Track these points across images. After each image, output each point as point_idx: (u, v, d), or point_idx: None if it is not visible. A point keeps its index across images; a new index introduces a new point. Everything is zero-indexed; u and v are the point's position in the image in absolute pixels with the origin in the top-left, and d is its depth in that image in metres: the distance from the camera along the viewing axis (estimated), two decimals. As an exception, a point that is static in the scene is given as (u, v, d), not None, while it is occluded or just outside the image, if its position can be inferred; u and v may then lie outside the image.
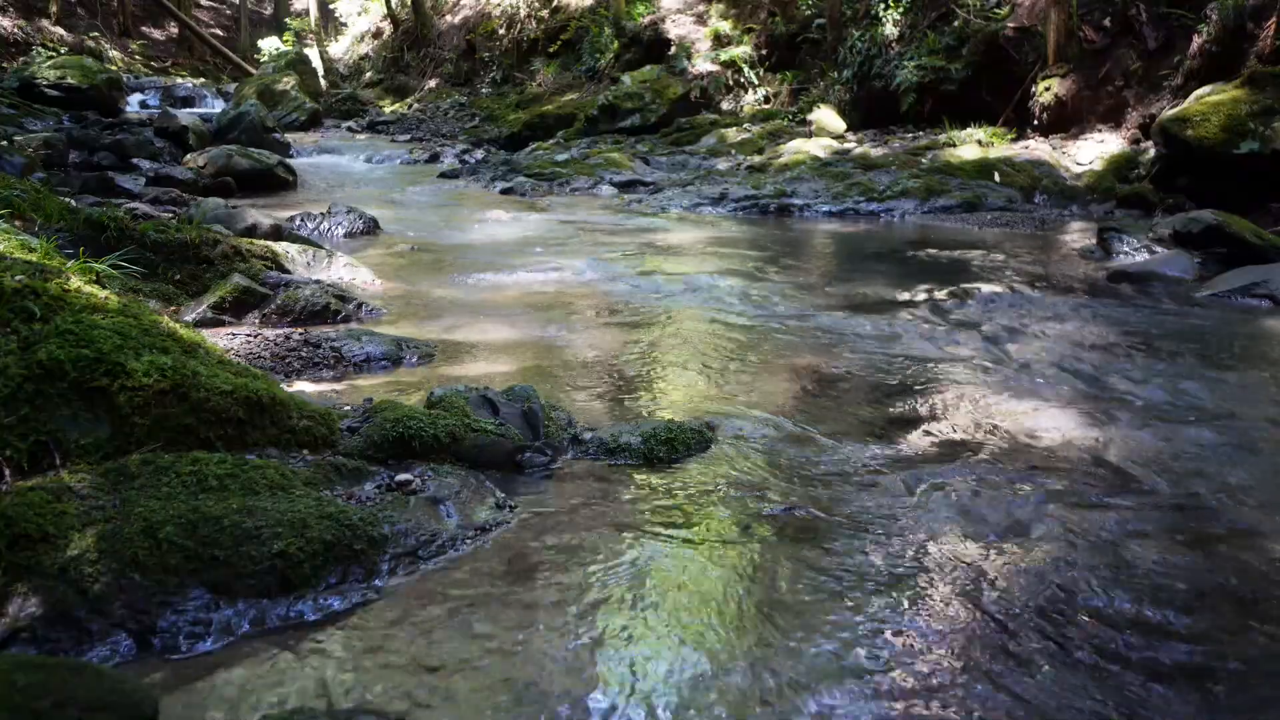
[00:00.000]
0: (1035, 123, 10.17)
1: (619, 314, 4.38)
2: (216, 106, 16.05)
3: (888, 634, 1.78)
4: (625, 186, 9.66)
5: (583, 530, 2.17)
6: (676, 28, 15.97)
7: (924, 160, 9.38)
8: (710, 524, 2.22)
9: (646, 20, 16.53)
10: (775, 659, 1.69)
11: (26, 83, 13.53)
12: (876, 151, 10.03)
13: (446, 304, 4.52)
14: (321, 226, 6.59)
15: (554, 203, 8.83)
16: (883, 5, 12.01)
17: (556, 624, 1.79)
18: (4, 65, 17.76)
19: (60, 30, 23.68)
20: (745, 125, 12.62)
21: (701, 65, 14.71)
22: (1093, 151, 9.22)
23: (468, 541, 2.11)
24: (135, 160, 9.08)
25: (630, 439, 2.62)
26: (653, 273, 5.43)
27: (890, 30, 11.86)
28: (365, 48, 26.01)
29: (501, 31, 20.46)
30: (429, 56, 22.54)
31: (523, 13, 19.89)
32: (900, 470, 2.56)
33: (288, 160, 10.02)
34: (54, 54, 18.76)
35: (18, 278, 2.24)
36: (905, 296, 4.81)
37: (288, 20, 31.18)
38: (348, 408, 2.75)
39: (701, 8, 16.26)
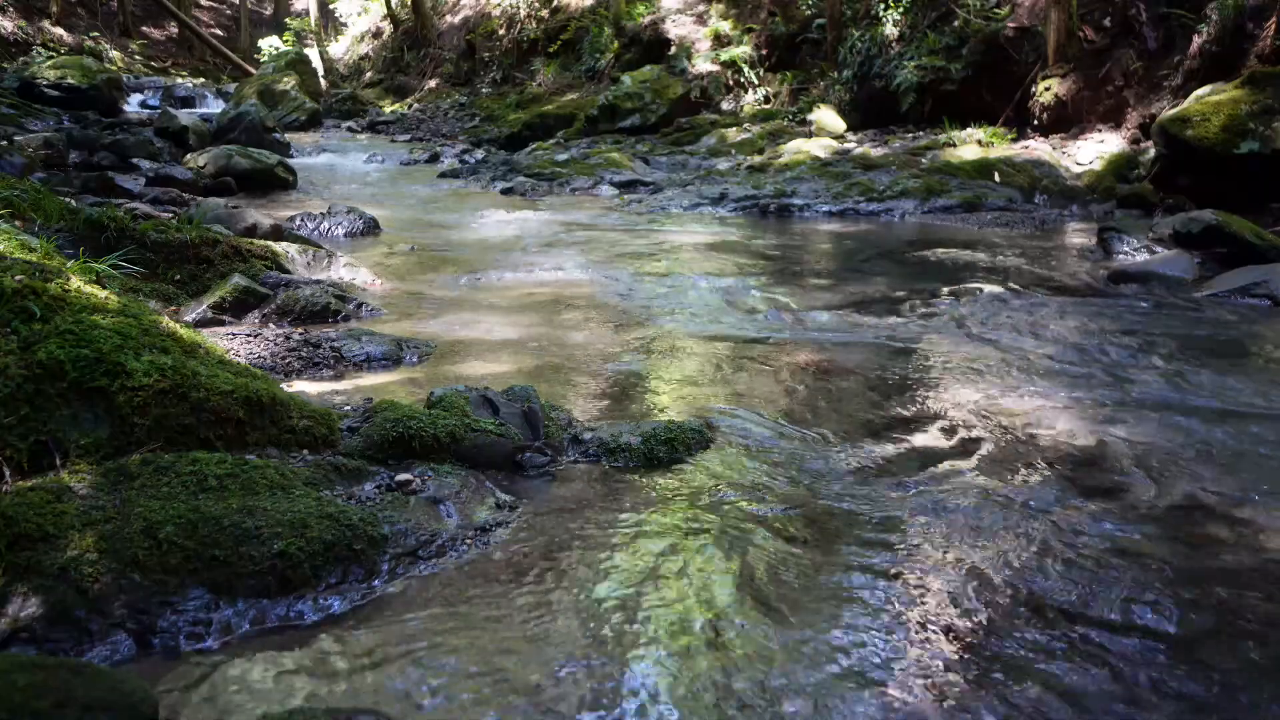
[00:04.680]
0: (1035, 123, 10.17)
1: (619, 314, 4.38)
2: (216, 106, 16.04)
3: (887, 634, 1.78)
4: (625, 186, 9.66)
5: (583, 530, 2.17)
6: (676, 28, 15.98)
7: (924, 160, 9.38)
8: (710, 524, 2.22)
9: (646, 20, 16.53)
10: (775, 659, 1.69)
11: (26, 83, 13.53)
12: (876, 151, 10.03)
13: (446, 304, 4.52)
14: (321, 226, 6.59)
15: (554, 203, 8.83)
16: (883, 5, 12.01)
17: (556, 624, 1.79)
18: (4, 65, 17.76)
19: (60, 30, 23.68)
20: (745, 125, 12.62)
21: (701, 65, 14.71)
22: (1093, 151, 9.22)
23: (468, 541, 2.11)
24: (135, 160, 9.08)
25: (630, 439, 2.62)
26: (653, 273, 5.43)
27: (890, 30, 11.86)
28: (365, 48, 26.02)
29: (501, 31, 20.46)
30: (429, 56, 22.55)
31: (523, 13, 19.89)
32: (900, 470, 2.56)
33: (288, 160, 10.01)
34: (54, 54, 18.77)
35: (18, 278, 2.24)
36: (905, 296, 4.81)
37: (288, 20, 31.21)
38: (348, 408, 2.75)
39: (701, 8, 16.26)
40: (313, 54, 23.52)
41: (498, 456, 2.49)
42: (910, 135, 10.91)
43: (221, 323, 3.76)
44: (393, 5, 24.43)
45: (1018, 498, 2.37)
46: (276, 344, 3.42)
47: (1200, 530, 2.22)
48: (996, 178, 8.83)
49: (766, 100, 14.08)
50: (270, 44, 26.23)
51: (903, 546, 2.12)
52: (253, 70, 21.69)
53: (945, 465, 2.59)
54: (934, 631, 1.79)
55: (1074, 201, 8.47)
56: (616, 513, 2.27)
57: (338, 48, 27.43)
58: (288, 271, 4.58)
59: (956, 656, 1.71)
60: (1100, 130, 9.55)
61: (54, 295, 2.24)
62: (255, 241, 4.76)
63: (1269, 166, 6.82)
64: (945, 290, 4.91)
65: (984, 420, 2.95)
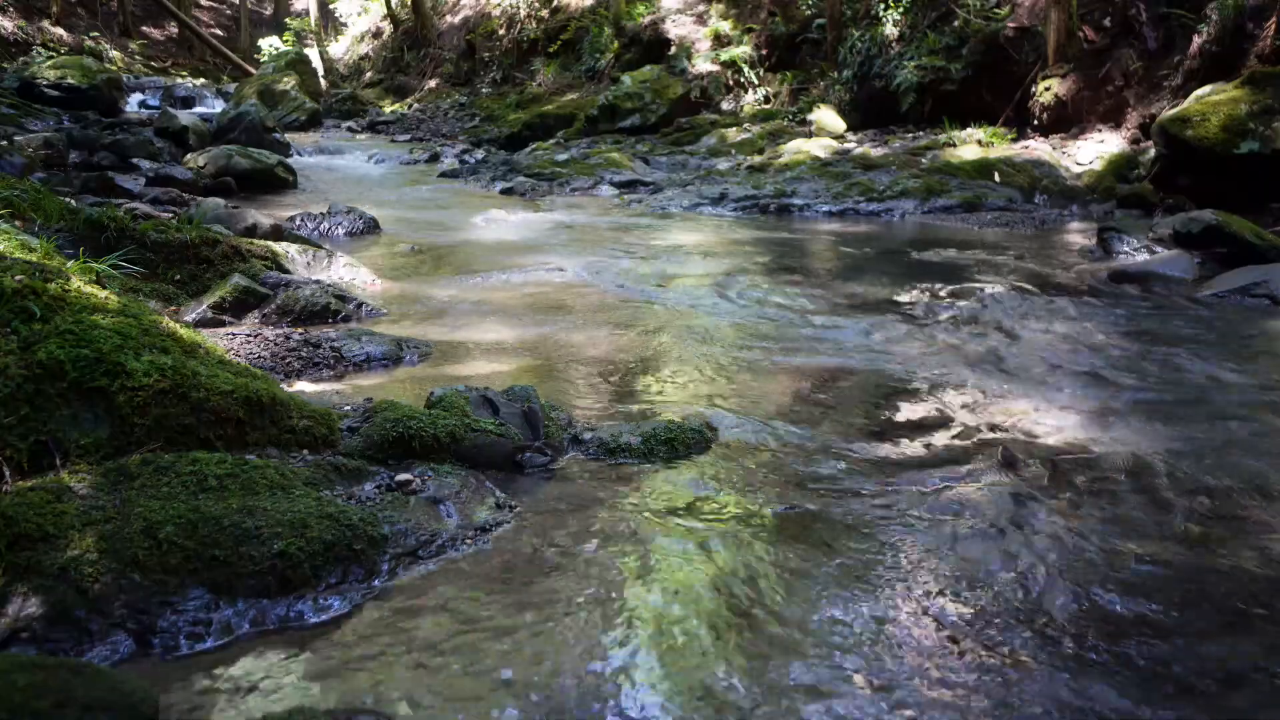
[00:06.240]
0: (1035, 123, 10.17)
1: (619, 314, 4.38)
2: (216, 106, 16.04)
3: (887, 633, 1.78)
4: (625, 186, 9.66)
5: (583, 530, 2.17)
6: (676, 28, 15.97)
7: (924, 160, 9.38)
8: (710, 524, 2.22)
9: (646, 20, 16.53)
10: (775, 659, 1.69)
11: (26, 83, 13.53)
12: (876, 151, 10.03)
13: (446, 304, 4.52)
14: (321, 226, 6.59)
15: (554, 203, 8.83)
16: (883, 5, 12.01)
17: (556, 624, 1.79)
18: (4, 65, 17.76)
19: (60, 30, 23.68)
20: (745, 125, 12.62)
21: (701, 65, 14.71)
22: (1093, 151, 9.22)
23: (468, 541, 2.11)
24: (135, 160, 9.07)
25: (630, 439, 2.62)
26: (653, 273, 5.43)
27: (890, 30, 11.86)
28: (365, 48, 26.02)
29: (501, 31, 20.46)
30: (429, 56, 22.55)
31: (523, 13, 19.89)
32: (900, 470, 2.56)
33: (288, 160, 10.00)
34: (54, 54, 18.77)
35: (18, 278, 2.24)
36: (905, 296, 4.81)
37: (288, 20, 31.22)
38: (348, 408, 2.75)
39: (701, 8, 16.26)
40: (313, 54, 23.53)
41: (498, 456, 2.49)
42: (910, 135, 10.91)
43: (221, 323, 3.76)
44: (393, 5, 24.42)
45: (1017, 497, 2.37)
46: (276, 344, 3.42)
47: (1201, 529, 2.22)
48: (996, 178, 8.83)
49: (766, 100, 14.08)
50: (270, 44, 26.24)
51: (904, 546, 2.12)
52: (253, 70, 21.70)
53: (945, 465, 2.59)
54: (936, 630, 1.79)
55: (1074, 201, 8.47)
56: (617, 513, 2.27)
57: (338, 48, 27.43)
58: (288, 271, 4.58)
59: (957, 655, 1.71)
60: (1100, 130, 9.55)
61: (54, 295, 2.24)
62: (255, 241, 4.76)
63: (1269, 166, 6.82)
64: (945, 290, 4.91)
65: (984, 420, 2.95)
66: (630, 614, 1.83)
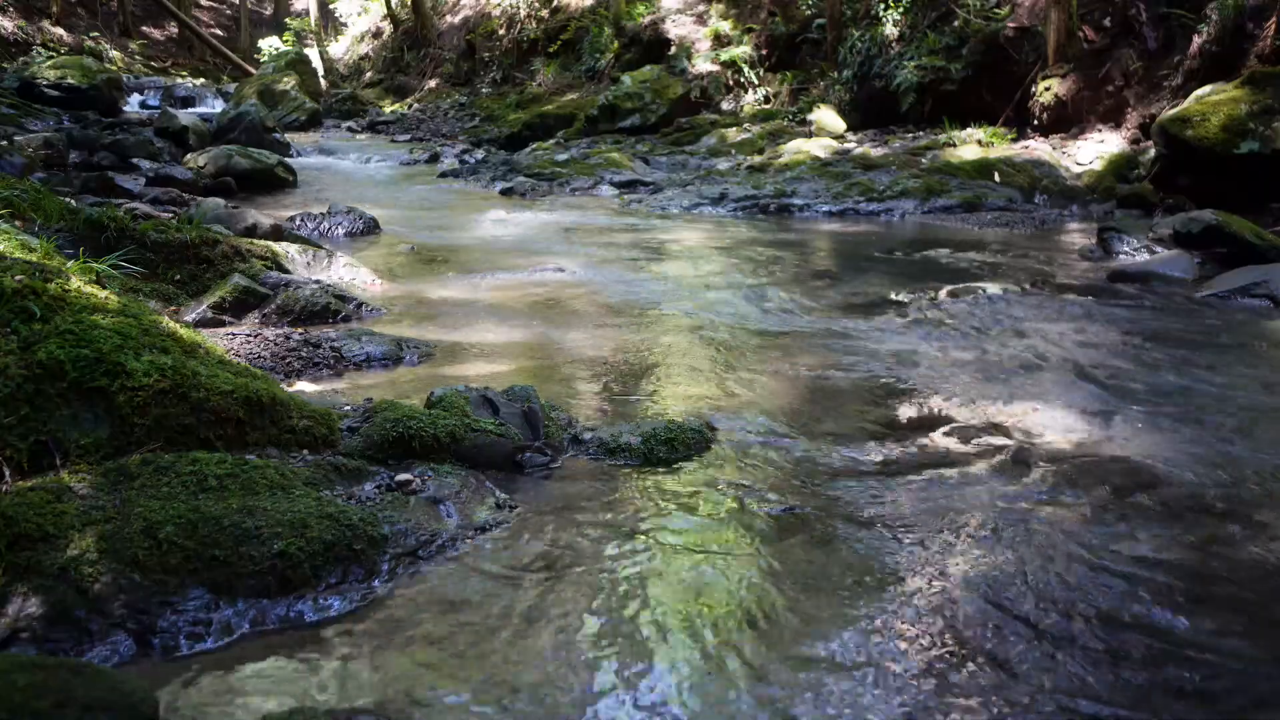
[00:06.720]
0: (1035, 123, 10.16)
1: (618, 314, 4.38)
2: (216, 106, 16.04)
3: (888, 633, 1.78)
4: (625, 186, 9.66)
5: (583, 530, 2.17)
6: (676, 28, 15.97)
7: (924, 160, 9.38)
8: (710, 524, 2.22)
9: (646, 20, 16.53)
10: (775, 659, 1.69)
11: (26, 83, 13.53)
12: (876, 151, 10.03)
13: (446, 304, 4.52)
14: (321, 226, 6.59)
15: (554, 203, 8.83)
16: (883, 5, 12.01)
17: (556, 624, 1.79)
18: (4, 65, 17.75)
19: (60, 30, 23.67)
20: (745, 125, 12.61)
21: (701, 65, 14.70)
22: (1093, 151, 9.21)
23: (468, 541, 2.11)
24: (135, 160, 9.07)
25: (630, 439, 2.62)
26: (653, 273, 5.43)
27: (890, 30, 11.86)
28: (365, 48, 26.02)
29: (501, 31, 20.46)
30: (429, 56, 22.55)
31: (523, 13, 19.89)
32: (900, 470, 2.56)
33: (288, 160, 10.00)
34: (54, 54, 18.77)
35: (18, 278, 2.24)
36: (905, 296, 4.81)
37: (288, 20, 31.23)
38: (348, 408, 2.75)
39: (701, 8, 16.26)
40: (313, 54, 23.52)
41: (498, 456, 2.49)
42: (910, 135, 10.90)
43: (221, 323, 3.76)
44: (393, 5, 24.42)
45: (1018, 497, 2.37)
46: (276, 344, 3.42)
47: (1201, 529, 2.21)
48: (996, 178, 8.83)
49: (766, 100, 14.08)
50: (270, 44, 26.24)
51: (904, 546, 2.12)
52: (253, 70, 21.70)
53: (945, 465, 2.59)
54: (938, 630, 1.79)
55: (1074, 201, 8.47)
56: (616, 513, 2.27)
57: (338, 48, 27.43)
58: (288, 271, 4.58)
59: (960, 654, 1.71)
60: (1100, 130, 9.55)
61: (54, 295, 2.24)
62: (255, 241, 4.75)
63: (1269, 166, 6.82)
64: (945, 290, 4.91)
65: (983, 420, 2.95)
66: (630, 614, 1.83)
